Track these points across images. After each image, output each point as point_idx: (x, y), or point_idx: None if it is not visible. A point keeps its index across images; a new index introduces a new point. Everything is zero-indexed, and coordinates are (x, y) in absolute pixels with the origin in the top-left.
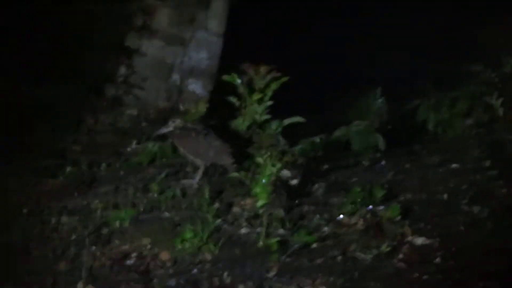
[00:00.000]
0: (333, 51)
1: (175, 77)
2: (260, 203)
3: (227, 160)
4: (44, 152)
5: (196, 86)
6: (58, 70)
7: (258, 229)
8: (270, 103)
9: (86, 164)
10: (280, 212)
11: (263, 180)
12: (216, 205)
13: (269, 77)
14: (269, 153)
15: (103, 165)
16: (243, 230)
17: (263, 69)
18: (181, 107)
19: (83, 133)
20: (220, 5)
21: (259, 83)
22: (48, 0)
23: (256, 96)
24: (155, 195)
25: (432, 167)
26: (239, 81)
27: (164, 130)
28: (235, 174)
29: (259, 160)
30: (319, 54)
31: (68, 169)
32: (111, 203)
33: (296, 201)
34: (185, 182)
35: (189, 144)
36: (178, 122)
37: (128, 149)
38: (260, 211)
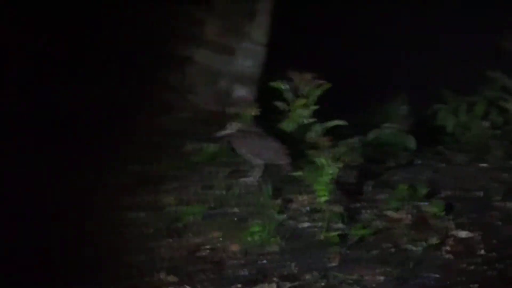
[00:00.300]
0: (356, 55)
1: (223, 83)
2: (322, 199)
3: (284, 160)
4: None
5: (242, 92)
6: (113, 75)
7: (318, 224)
8: (315, 107)
9: (149, 163)
10: (339, 208)
11: (325, 179)
12: (277, 201)
13: (313, 83)
14: (331, 154)
15: (165, 164)
16: (304, 224)
17: (307, 76)
18: (229, 111)
19: (139, 135)
20: (264, 17)
21: (304, 89)
22: (107, 8)
23: (301, 101)
24: (222, 192)
25: (462, 166)
26: (285, 87)
27: (224, 132)
28: (297, 173)
29: (321, 160)
30: (343, 57)
31: (131, 167)
32: (180, 199)
33: (351, 198)
34: (245, 180)
35: (248, 145)
36: (237, 125)
37: (185, 150)
38: (322, 207)
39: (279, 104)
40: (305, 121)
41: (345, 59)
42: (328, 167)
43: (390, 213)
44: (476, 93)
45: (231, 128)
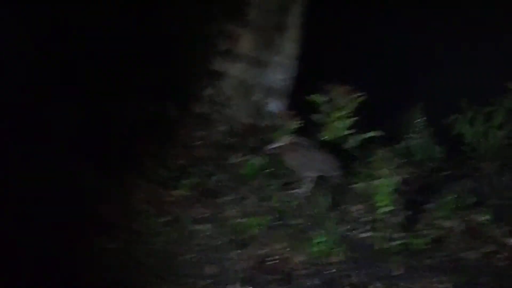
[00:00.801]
0: (373, 65)
1: (256, 96)
2: (384, 209)
3: (335, 172)
4: (154, 164)
5: (273, 105)
6: (149, 89)
7: (379, 233)
8: (352, 119)
9: (199, 176)
10: (399, 218)
11: (386, 189)
12: (336, 212)
13: (350, 96)
14: (391, 166)
15: (214, 177)
16: (365, 234)
17: (344, 89)
18: (262, 124)
19: (179, 148)
20: (295, 31)
21: (341, 102)
22: (140, 23)
23: (337, 114)
24: (279, 204)
25: (494, 175)
26: (322, 100)
27: (276, 145)
28: (357, 185)
29: (380, 172)
30: (364, 68)
31: (185, 181)
32: (241, 211)
33: (408, 208)
34: (298, 192)
35: (299, 158)
36: (287, 138)
37: (229, 162)
38: (382, 217)
39: (318, 116)
40: (343, 133)
41: (364, 70)
42: (390, 178)
43: (441, 222)
44: (493, 103)
45: (282, 141)
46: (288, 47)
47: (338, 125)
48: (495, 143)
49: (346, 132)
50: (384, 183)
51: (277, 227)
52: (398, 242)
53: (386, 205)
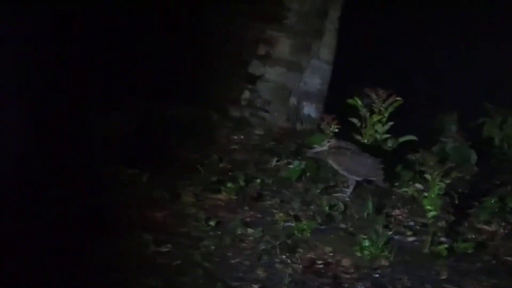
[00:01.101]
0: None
1: (293, 100)
2: (432, 214)
3: (378, 176)
4: (198, 168)
5: (310, 109)
6: (187, 93)
7: (424, 237)
8: (390, 123)
9: (243, 180)
10: (444, 222)
11: (434, 194)
12: (381, 216)
13: (389, 100)
14: (438, 171)
15: (257, 181)
16: (410, 238)
17: (383, 93)
18: (299, 128)
19: (217, 151)
20: (331, 36)
21: (379, 106)
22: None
23: (376, 118)
24: (323, 208)
25: None
26: (361, 104)
27: (320, 149)
28: (402, 189)
29: (428, 176)
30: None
31: (229, 184)
32: (286, 215)
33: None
34: (341, 196)
35: (343, 161)
36: (332, 141)
37: (270, 166)
38: (428, 221)
39: (355, 120)
40: (382, 137)
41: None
42: (438, 183)
43: (482, 226)
44: None
45: (325, 145)
46: (325, 52)
47: (377, 129)
48: None
49: (385, 136)
50: (433, 187)
51: (325, 230)
52: (445, 246)
53: (433, 210)
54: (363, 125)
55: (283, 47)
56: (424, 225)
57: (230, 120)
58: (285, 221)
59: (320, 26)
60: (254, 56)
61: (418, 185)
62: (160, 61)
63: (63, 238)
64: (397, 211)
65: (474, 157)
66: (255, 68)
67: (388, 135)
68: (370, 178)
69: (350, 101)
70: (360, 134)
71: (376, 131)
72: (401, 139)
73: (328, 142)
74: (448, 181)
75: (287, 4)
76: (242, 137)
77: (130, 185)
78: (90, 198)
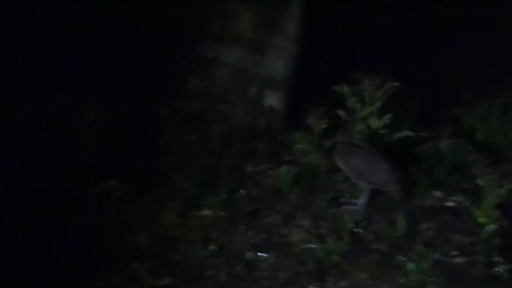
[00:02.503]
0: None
1: (254, 89)
2: (489, 228)
3: (394, 187)
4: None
5: (272, 99)
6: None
7: (476, 258)
8: (389, 116)
9: (225, 193)
10: (500, 238)
11: (489, 204)
12: (414, 233)
13: (384, 87)
14: (495, 175)
15: (241, 192)
16: (458, 259)
17: (378, 79)
18: (261, 123)
19: (174, 156)
20: (296, 9)
21: (374, 94)
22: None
23: (367, 110)
24: (342, 223)
25: None
26: (349, 92)
27: (336, 139)
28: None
29: (481, 181)
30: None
31: (210, 198)
32: (305, 234)
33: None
34: (351, 208)
35: (354, 163)
36: (346, 135)
37: (246, 172)
38: (483, 237)
39: (342, 113)
40: (377, 132)
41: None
42: (490, 189)
43: None
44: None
45: (339, 137)
46: (289, 28)
47: (370, 123)
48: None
49: (382, 132)
50: (488, 195)
51: (355, 252)
52: (502, 268)
53: (488, 223)
54: (355, 118)
55: (245, 22)
56: (472, 243)
57: (182, 116)
58: (304, 242)
59: None
60: (210, 34)
61: (437, 193)
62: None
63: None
64: (428, 226)
65: (472, 156)
66: (208, 49)
67: (384, 131)
68: (384, 189)
69: (337, 88)
70: (352, 129)
71: (368, 126)
72: (397, 135)
73: (342, 133)
74: (509, 187)
75: None
76: (196, 137)
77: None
78: (54, 219)
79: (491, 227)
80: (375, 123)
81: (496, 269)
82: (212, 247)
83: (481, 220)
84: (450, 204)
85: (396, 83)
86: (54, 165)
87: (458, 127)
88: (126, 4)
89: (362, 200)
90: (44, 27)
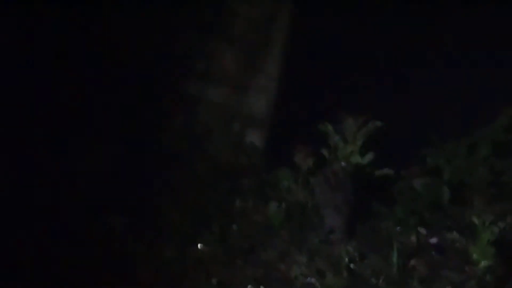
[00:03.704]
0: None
1: (237, 126)
2: (484, 264)
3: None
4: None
5: (254, 136)
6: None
7: None
8: (371, 155)
9: (219, 228)
10: (493, 275)
11: (483, 241)
12: (407, 269)
13: (369, 126)
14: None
15: (234, 226)
16: None
17: (361, 117)
18: (242, 160)
19: (166, 192)
20: (278, 48)
21: (356, 133)
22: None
23: (349, 149)
24: (345, 260)
25: None
26: (332, 130)
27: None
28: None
29: (476, 220)
30: None
31: (205, 234)
32: (305, 270)
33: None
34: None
35: (332, 197)
36: (333, 166)
37: (234, 209)
38: (478, 274)
39: (325, 152)
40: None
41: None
42: (488, 228)
43: None
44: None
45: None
46: (271, 67)
47: (352, 161)
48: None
49: (366, 169)
50: (483, 232)
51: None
52: None
53: (482, 260)
54: (338, 156)
55: (229, 61)
56: (464, 280)
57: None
58: (304, 277)
59: (267, 36)
60: (193, 72)
61: (422, 230)
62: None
63: None
64: (417, 262)
65: (446, 194)
66: (193, 87)
67: (368, 169)
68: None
69: (320, 127)
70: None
71: (351, 163)
72: (377, 173)
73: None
74: (503, 225)
75: (233, 8)
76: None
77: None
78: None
79: (485, 264)
80: (357, 160)
81: None
82: (214, 281)
83: (476, 256)
84: (435, 241)
85: (378, 122)
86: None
87: (425, 166)
88: (110, 42)
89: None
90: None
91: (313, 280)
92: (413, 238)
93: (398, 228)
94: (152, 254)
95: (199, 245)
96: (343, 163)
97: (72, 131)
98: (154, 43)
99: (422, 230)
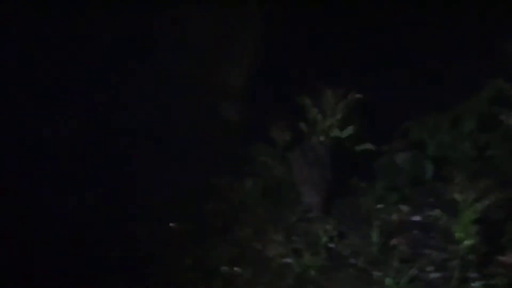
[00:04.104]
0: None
1: (211, 99)
2: (465, 243)
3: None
4: None
5: (230, 108)
6: None
7: (451, 273)
8: (351, 129)
9: (191, 204)
10: (475, 254)
11: (466, 220)
12: (388, 247)
13: (349, 99)
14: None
15: (209, 206)
16: (433, 275)
17: (339, 90)
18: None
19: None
20: (256, 20)
21: (335, 106)
22: None
23: (330, 121)
24: (323, 239)
25: None
26: (310, 103)
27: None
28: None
29: (458, 197)
30: None
31: (177, 211)
32: (282, 249)
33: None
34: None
35: (308, 173)
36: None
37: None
38: (459, 254)
39: (303, 125)
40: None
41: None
42: (471, 206)
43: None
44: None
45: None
46: (249, 39)
47: (332, 135)
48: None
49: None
50: (466, 210)
51: (332, 267)
52: (478, 283)
53: (465, 239)
54: (316, 130)
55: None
56: (446, 259)
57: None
58: (282, 257)
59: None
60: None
61: (404, 207)
62: None
63: None
64: (400, 240)
65: (430, 169)
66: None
67: (347, 143)
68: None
69: (298, 99)
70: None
71: (330, 137)
72: (358, 148)
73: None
74: (487, 202)
75: None
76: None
77: None
78: None
79: (468, 243)
80: (336, 134)
81: (473, 284)
82: (188, 261)
83: (459, 235)
84: (417, 218)
85: (359, 95)
86: None
87: (408, 141)
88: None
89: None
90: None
91: (289, 260)
92: (394, 216)
93: (379, 205)
94: (124, 231)
95: (170, 224)
96: (321, 138)
97: None
98: None
99: (404, 207)
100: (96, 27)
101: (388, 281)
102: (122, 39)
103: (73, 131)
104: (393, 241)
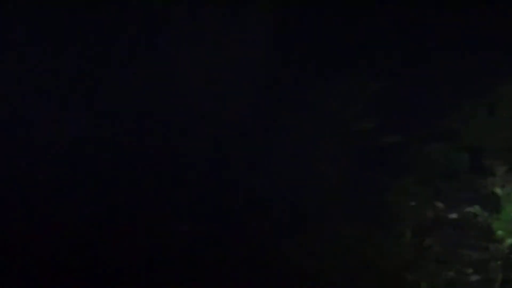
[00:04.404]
0: None
1: None
2: (509, 241)
3: None
4: None
5: None
6: None
7: (489, 275)
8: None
9: None
10: None
11: (508, 216)
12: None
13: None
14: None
15: None
16: (473, 277)
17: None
18: None
19: None
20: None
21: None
22: None
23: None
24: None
25: None
26: None
27: None
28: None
29: (498, 190)
30: None
31: None
32: None
33: None
34: None
35: None
36: None
37: None
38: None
39: None
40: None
41: None
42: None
43: None
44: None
45: None
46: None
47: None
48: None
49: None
50: (509, 205)
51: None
52: None
53: (509, 236)
54: None
55: None
56: (487, 260)
57: None
58: None
59: None
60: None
61: (439, 204)
62: None
63: None
64: (434, 241)
65: (465, 162)
66: None
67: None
68: None
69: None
70: None
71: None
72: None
73: None
74: None
75: None
76: None
77: None
78: None
79: (511, 241)
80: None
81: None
82: None
83: (500, 233)
84: (453, 216)
85: (382, 82)
86: None
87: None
88: None
89: None
90: None
91: None
92: (429, 213)
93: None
94: None
95: None
96: None
97: None
98: None
99: (439, 204)
100: None
101: (423, 285)
102: None
103: None
104: (428, 241)
